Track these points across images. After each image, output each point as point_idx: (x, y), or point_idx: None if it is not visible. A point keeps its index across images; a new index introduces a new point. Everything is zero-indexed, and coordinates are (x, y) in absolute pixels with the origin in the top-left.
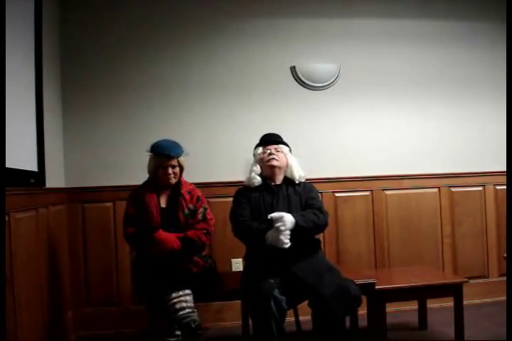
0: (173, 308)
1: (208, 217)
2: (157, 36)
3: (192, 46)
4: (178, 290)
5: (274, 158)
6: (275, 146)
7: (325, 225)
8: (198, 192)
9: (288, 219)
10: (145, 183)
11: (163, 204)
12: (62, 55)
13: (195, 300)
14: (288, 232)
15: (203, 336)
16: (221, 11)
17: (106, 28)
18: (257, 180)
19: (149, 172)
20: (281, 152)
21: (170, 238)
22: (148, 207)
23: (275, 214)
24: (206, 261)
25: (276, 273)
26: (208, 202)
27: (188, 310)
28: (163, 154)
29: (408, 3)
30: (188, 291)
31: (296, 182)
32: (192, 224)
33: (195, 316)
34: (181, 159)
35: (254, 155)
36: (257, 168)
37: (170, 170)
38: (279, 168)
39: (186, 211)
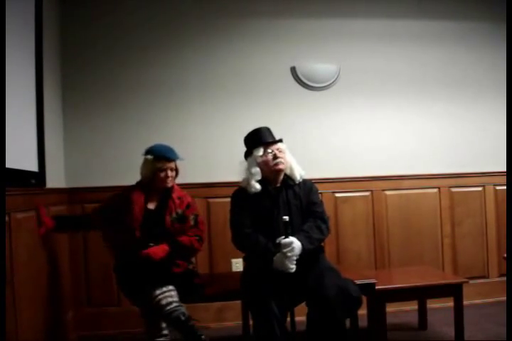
0: (160, 304)
1: (200, 223)
2: (157, 36)
3: (192, 47)
4: (162, 287)
5: (281, 162)
6: (276, 146)
7: (328, 235)
8: (189, 199)
9: (297, 245)
10: (136, 185)
11: (151, 206)
12: (62, 55)
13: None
14: (294, 258)
15: (195, 328)
16: (221, 11)
17: (106, 29)
18: (256, 188)
19: (144, 175)
20: (283, 152)
21: (156, 252)
22: (131, 206)
23: (285, 240)
24: (189, 264)
25: (277, 274)
26: (198, 210)
27: (175, 304)
28: (165, 157)
29: (408, 3)
30: (171, 287)
31: (296, 182)
32: (181, 229)
33: (183, 309)
34: (177, 163)
35: (252, 155)
36: (257, 172)
37: (169, 173)
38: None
39: (174, 215)
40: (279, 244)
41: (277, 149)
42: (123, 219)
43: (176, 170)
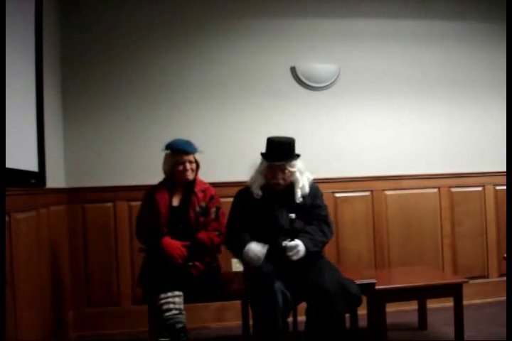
0: (160, 309)
1: (221, 216)
2: (157, 37)
3: (192, 46)
4: (167, 292)
5: (277, 183)
6: (282, 168)
7: (331, 238)
8: (212, 191)
9: (301, 248)
10: (160, 183)
11: (176, 203)
12: (62, 55)
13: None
14: (262, 253)
15: (187, 338)
16: (221, 12)
17: (106, 29)
18: (258, 194)
19: (165, 170)
20: (289, 171)
21: (174, 246)
22: (157, 207)
23: (290, 243)
24: (209, 266)
25: (280, 275)
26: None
27: (174, 312)
28: (181, 150)
29: (408, 3)
30: (177, 293)
31: (297, 200)
32: (204, 223)
33: (180, 318)
34: (197, 156)
35: (261, 164)
36: (261, 179)
37: (188, 166)
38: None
39: (198, 209)
40: (285, 247)
41: (281, 170)
42: (150, 218)
43: (197, 163)
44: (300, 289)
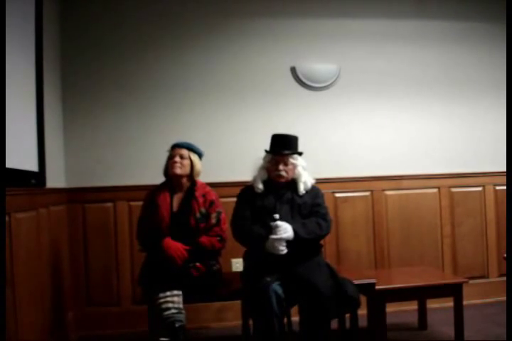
0: (159, 308)
1: (222, 221)
2: (157, 37)
3: (192, 47)
4: (166, 291)
5: (280, 175)
6: (285, 160)
7: (327, 234)
8: (213, 196)
9: (289, 230)
10: (161, 184)
11: (175, 207)
12: (62, 56)
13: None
14: (283, 240)
15: (185, 337)
16: (221, 12)
17: (106, 29)
18: (260, 188)
19: (164, 171)
20: (291, 164)
21: (174, 248)
22: (159, 210)
23: (276, 223)
24: (210, 268)
25: (275, 272)
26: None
27: (173, 311)
28: (174, 144)
29: (408, 3)
30: (176, 292)
31: (300, 194)
32: (205, 228)
33: (179, 317)
34: (194, 157)
35: (264, 158)
36: (264, 174)
37: (176, 159)
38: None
39: (198, 215)
40: (272, 226)
41: (284, 162)
42: (152, 221)
43: (191, 162)
44: (298, 289)
